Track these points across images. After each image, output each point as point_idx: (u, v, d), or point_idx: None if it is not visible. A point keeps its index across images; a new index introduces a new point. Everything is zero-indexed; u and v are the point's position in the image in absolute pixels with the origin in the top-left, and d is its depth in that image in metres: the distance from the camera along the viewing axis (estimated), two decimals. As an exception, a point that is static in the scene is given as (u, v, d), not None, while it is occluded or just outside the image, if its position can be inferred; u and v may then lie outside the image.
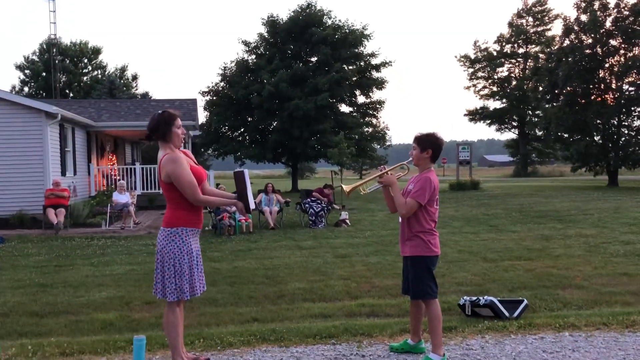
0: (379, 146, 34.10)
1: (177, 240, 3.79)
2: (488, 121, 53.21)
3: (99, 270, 8.13)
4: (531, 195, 21.43)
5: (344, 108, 32.61)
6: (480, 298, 5.20)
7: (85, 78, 47.00)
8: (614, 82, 28.47)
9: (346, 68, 30.39)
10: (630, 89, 28.08)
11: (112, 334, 4.96)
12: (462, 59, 52.78)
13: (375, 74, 31.87)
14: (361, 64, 31.49)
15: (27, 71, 45.85)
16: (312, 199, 13.83)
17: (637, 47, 27.74)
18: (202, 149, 35.92)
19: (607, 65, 28.37)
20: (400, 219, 4.18)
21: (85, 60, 47.64)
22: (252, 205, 4.04)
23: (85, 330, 5.10)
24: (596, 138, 28.81)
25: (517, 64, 52.33)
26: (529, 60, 49.88)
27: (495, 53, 51.74)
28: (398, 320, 5.12)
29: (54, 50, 39.55)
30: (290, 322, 5.23)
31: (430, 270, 4.08)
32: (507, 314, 5.05)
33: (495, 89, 52.62)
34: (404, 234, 4.14)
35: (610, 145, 27.96)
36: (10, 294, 6.67)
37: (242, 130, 31.71)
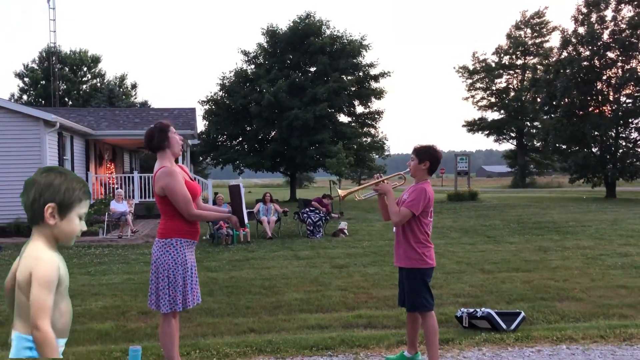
0: (377, 156, 34.14)
1: (171, 251, 3.78)
2: (486, 132, 53.32)
3: (95, 280, 8.11)
4: (529, 207, 21.44)
5: (343, 118, 32.70)
6: (478, 310, 5.20)
7: (84, 86, 47.08)
8: (611, 94, 28.59)
9: (345, 78, 30.49)
10: (628, 101, 28.20)
11: (108, 344, 4.94)
12: (461, 70, 52.96)
13: (374, 84, 32.02)
14: (360, 74, 31.62)
15: (26, 79, 45.93)
16: (311, 208, 13.82)
17: (634, 60, 27.87)
18: (200, 158, 35.92)
19: (604, 77, 28.48)
20: (394, 229, 4.19)
21: (85, 69, 47.74)
22: (246, 219, 4.07)
23: (81, 340, 5.07)
24: (594, 150, 28.87)
25: (515, 75, 52.52)
26: (527, 72, 50.05)
27: (493, 64, 51.94)
28: (395, 331, 5.10)
29: (54, 58, 39.64)
30: (287, 333, 5.21)
31: (425, 282, 4.08)
32: (504, 326, 5.04)
33: (493, 100, 52.76)
34: (399, 245, 4.14)
35: (608, 156, 28.01)
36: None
37: (240, 139, 31.74)
